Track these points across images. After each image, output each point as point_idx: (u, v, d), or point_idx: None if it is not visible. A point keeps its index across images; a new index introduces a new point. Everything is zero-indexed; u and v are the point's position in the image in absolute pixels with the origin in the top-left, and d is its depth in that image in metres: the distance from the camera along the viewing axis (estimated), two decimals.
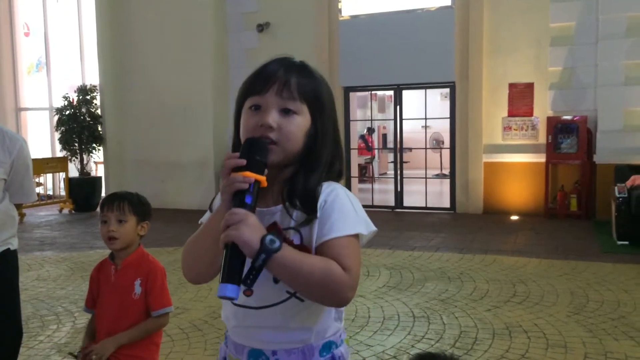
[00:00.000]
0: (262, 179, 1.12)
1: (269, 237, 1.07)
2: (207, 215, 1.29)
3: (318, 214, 1.17)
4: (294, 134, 1.18)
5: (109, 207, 2.13)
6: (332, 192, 1.20)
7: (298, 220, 1.18)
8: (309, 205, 1.18)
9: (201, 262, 1.21)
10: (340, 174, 1.28)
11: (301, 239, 1.18)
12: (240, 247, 1.06)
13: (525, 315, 4.10)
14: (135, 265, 2.16)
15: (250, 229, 1.07)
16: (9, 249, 2.39)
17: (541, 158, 8.33)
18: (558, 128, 8.16)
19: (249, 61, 9.63)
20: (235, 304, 1.22)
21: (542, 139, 8.35)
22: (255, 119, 1.18)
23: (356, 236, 1.19)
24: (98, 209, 9.95)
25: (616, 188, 6.58)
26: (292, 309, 1.19)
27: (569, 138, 8.13)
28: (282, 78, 1.19)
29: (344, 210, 1.18)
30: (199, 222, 1.31)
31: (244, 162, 1.11)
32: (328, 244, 1.15)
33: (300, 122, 1.20)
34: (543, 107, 8.38)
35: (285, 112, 1.18)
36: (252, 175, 1.10)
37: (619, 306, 4.25)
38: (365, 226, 1.20)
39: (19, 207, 2.50)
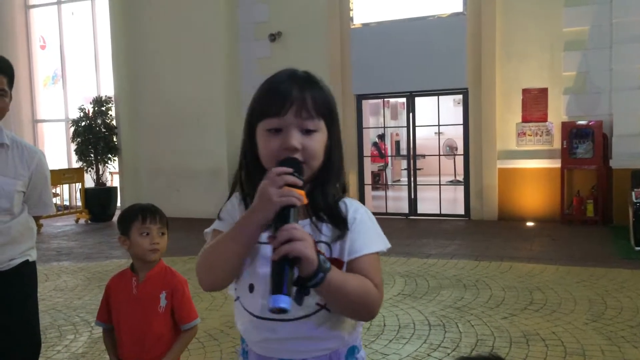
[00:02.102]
0: (306, 202, 1.13)
1: (322, 257, 1.10)
2: (217, 223, 1.29)
3: (349, 229, 1.22)
4: (317, 152, 1.21)
5: (152, 219, 2.14)
6: (358, 210, 1.26)
7: (328, 235, 1.22)
8: (338, 220, 1.22)
9: (222, 270, 1.20)
10: (345, 187, 1.30)
11: (330, 252, 1.21)
12: (302, 263, 1.05)
13: (543, 323, 4.06)
14: (159, 278, 2.16)
15: (312, 246, 1.07)
16: (27, 260, 2.42)
17: (556, 163, 8.26)
18: (573, 133, 8.09)
19: (261, 70, 9.69)
20: (262, 318, 1.22)
21: (557, 144, 8.29)
22: (278, 142, 1.19)
23: (378, 253, 1.25)
24: (117, 218, 10.10)
25: (633, 193, 6.50)
26: (320, 320, 1.22)
27: (585, 143, 8.06)
28: (298, 98, 1.19)
29: (369, 228, 1.25)
30: (205, 231, 1.31)
31: (300, 183, 1.12)
32: (359, 260, 1.21)
33: (321, 139, 1.22)
34: (557, 113, 8.33)
35: (306, 132, 1.20)
36: (304, 196, 1.11)
37: (637, 313, 4.19)
38: (384, 244, 1.26)
39: (37, 219, 2.53)
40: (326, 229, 1.22)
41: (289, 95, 1.19)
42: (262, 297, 1.20)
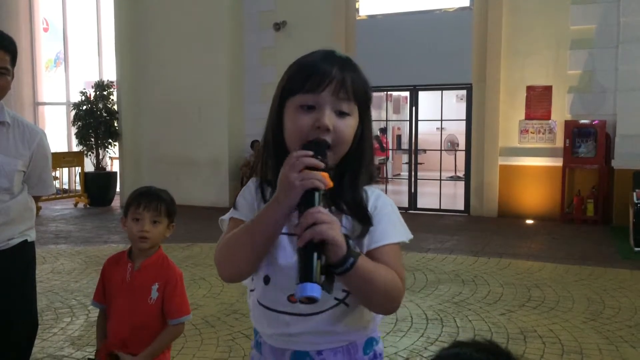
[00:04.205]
0: (331, 185, 1.06)
1: (351, 241, 1.05)
2: (234, 212, 1.23)
3: (372, 222, 1.16)
4: (347, 136, 1.15)
5: (147, 206, 2.04)
6: (379, 199, 1.20)
7: (348, 227, 1.15)
8: (361, 213, 1.16)
9: (245, 261, 1.14)
10: (373, 176, 1.24)
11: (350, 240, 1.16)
12: (330, 247, 0.99)
13: (541, 320, 4.05)
14: (154, 269, 2.08)
15: (339, 229, 1.02)
16: (26, 240, 2.40)
17: (558, 162, 8.24)
18: (576, 132, 8.06)
19: (265, 60, 9.65)
20: (276, 311, 1.18)
21: (559, 142, 8.26)
22: (310, 119, 1.12)
23: (399, 244, 1.19)
24: (115, 203, 10.09)
25: (635, 194, 6.49)
26: (339, 314, 1.17)
27: (587, 142, 8.03)
28: (338, 77, 1.13)
29: (392, 217, 1.19)
30: (220, 219, 1.26)
31: (322, 165, 1.05)
32: (379, 250, 1.15)
33: (353, 124, 1.16)
34: (561, 111, 8.29)
35: (339, 113, 1.14)
36: (327, 178, 1.04)
37: (636, 313, 4.18)
38: (406, 234, 1.21)
39: (37, 199, 2.50)
40: (346, 221, 1.16)
41: (328, 72, 1.13)
42: (279, 289, 1.16)
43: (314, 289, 0.96)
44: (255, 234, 1.11)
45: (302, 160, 1.04)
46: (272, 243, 1.13)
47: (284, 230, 1.14)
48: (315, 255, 0.98)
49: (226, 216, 1.25)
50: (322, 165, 1.05)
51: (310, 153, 1.06)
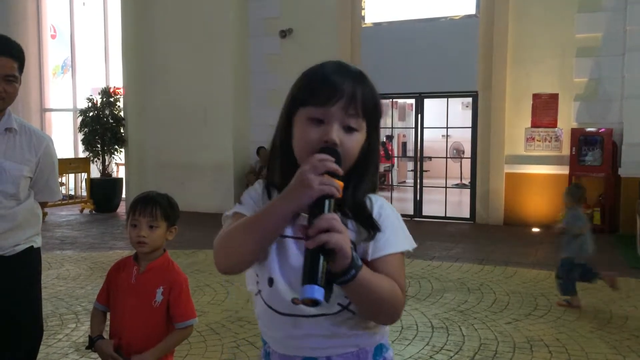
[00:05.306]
0: (340, 195, 1.07)
1: (355, 253, 1.05)
2: (238, 207, 1.24)
3: (380, 229, 1.16)
4: (353, 152, 1.16)
5: (142, 211, 2.07)
6: (383, 207, 1.20)
7: (355, 232, 1.16)
8: (365, 219, 1.16)
9: (242, 254, 1.14)
10: (376, 185, 1.25)
11: (355, 251, 1.15)
12: (337, 256, 1.00)
13: (547, 329, 4.02)
14: (159, 272, 2.11)
15: (349, 241, 1.02)
16: (32, 246, 2.41)
17: (564, 170, 8.21)
18: (582, 140, 8.03)
19: (270, 66, 9.67)
20: (284, 313, 1.18)
21: (565, 150, 8.23)
22: (318, 133, 1.12)
23: (403, 253, 1.19)
24: (121, 209, 10.11)
25: None
26: (343, 319, 1.17)
27: (594, 150, 8.00)
28: (349, 93, 1.13)
29: (395, 226, 1.19)
30: (225, 214, 1.26)
31: (341, 172, 1.06)
32: (383, 259, 1.15)
33: (360, 139, 1.17)
34: (567, 119, 8.27)
35: (347, 129, 1.14)
36: (342, 188, 1.05)
37: None
38: (410, 244, 1.20)
39: (43, 205, 2.51)
40: (351, 226, 1.16)
41: (339, 87, 1.13)
42: (283, 291, 1.16)
43: (318, 292, 0.96)
44: (260, 226, 1.11)
45: (325, 164, 1.04)
46: (275, 237, 1.13)
47: (289, 234, 1.15)
48: (322, 259, 0.98)
49: (230, 212, 1.25)
50: (341, 172, 1.06)
51: (332, 159, 1.06)
